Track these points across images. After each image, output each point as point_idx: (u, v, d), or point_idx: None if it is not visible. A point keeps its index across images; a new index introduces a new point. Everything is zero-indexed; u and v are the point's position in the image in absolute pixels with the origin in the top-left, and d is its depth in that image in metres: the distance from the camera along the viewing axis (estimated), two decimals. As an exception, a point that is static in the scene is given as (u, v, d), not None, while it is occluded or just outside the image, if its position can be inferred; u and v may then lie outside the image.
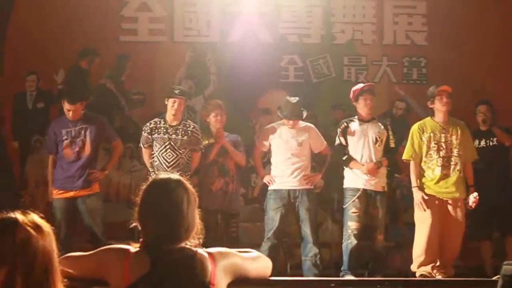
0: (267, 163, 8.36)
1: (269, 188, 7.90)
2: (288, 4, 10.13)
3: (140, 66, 9.86)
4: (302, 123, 7.92)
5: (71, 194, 7.64)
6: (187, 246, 2.96)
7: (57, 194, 7.67)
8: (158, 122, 7.83)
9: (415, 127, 7.59)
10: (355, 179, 7.63)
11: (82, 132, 7.65)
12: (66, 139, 7.64)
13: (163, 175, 3.13)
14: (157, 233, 2.95)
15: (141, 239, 2.97)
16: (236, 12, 10.06)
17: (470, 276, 7.54)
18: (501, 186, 8.27)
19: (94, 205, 7.66)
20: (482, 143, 8.29)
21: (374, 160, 7.63)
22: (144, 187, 3.07)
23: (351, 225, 7.53)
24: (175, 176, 3.09)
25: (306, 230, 7.73)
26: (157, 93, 9.23)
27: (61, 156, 7.67)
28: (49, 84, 9.66)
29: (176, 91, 7.92)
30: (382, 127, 7.78)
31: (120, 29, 9.89)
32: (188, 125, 7.88)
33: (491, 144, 8.35)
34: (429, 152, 7.42)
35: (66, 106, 7.59)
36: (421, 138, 7.48)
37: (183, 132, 7.78)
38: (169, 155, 7.72)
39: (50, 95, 9.61)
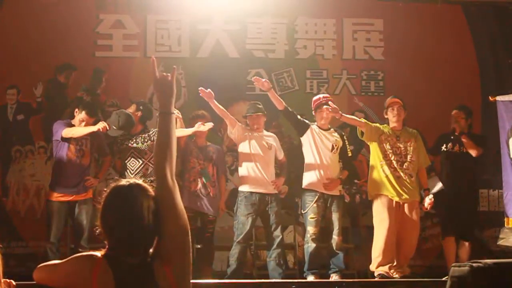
0: (234, 170, 8.71)
1: (239, 189, 8.03)
2: (254, 22, 10.30)
3: (114, 79, 9.96)
4: (266, 132, 8.21)
5: (69, 198, 7.87)
6: (147, 259, 2.93)
7: (55, 197, 7.88)
8: (122, 135, 8.06)
9: (376, 124, 7.96)
10: (313, 182, 7.84)
11: (84, 141, 7.93)
12: (72, 143, 7.87)
13: (123, 181, 3.04)
14: (120, 243, 2.92)
15: (106, 246, 2.96)
16: (205, 29, 10.22)
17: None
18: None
19: (87, 210, 7.90)
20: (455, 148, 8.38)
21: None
22: (105, 193, 3.02)
23: (310, 229, 7.72)
24: (136, 181, 3.04)
25: (275, 233, 7.90)
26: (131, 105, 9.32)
27: (64, 159, 7.88)
28: (29, 97, 9.74)
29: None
30: (338, 136, 8.02)
31: (96, 45, 9.98)
32: (148, 131, 8.08)
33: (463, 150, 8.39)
34: (385, 158, 7.69)
35: (83, 116, 7.87)
36: (379, 128, 7.82)
37: (143, 140, 7.99)
38: (133, 164, 7.95)
39: (30, 108, 9.71)
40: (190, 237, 3.02)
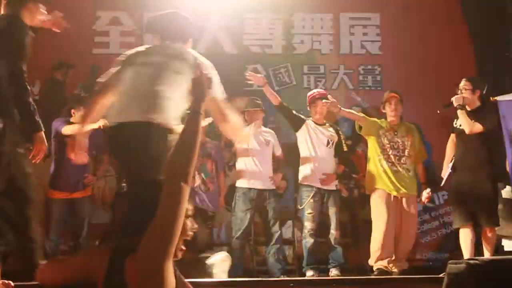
0: (232, 166, 8.60)
1: (237, 185, 8.01)
2: (251, 17, 10.39)
3: (112, 77, 10.09)
4: (264, 128, 8.22)
5: (68, 195, 7.88)
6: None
7: (54, 195, 7.90)
8: None
9: (374, 119, 7.91)
10: (310, 176, 7.83)
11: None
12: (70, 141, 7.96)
13: None
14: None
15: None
16: (202, 25, 10.16)
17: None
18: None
19: (86, 207, 7.95)
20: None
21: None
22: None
23: (307, 225, 7.69)
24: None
25: (274, 228, 7.89)
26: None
27: (64, 158, 7.67)
28: (26, 95, 9.79)
29: None
30: (334, 131, 8.03)
31: (93, 42, 10.03)
32: None
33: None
34: (383, 152, 7.66)
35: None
36: (377, 122, 7.77)
37: None
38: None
39: (28, 106, 9.77)
40: None
